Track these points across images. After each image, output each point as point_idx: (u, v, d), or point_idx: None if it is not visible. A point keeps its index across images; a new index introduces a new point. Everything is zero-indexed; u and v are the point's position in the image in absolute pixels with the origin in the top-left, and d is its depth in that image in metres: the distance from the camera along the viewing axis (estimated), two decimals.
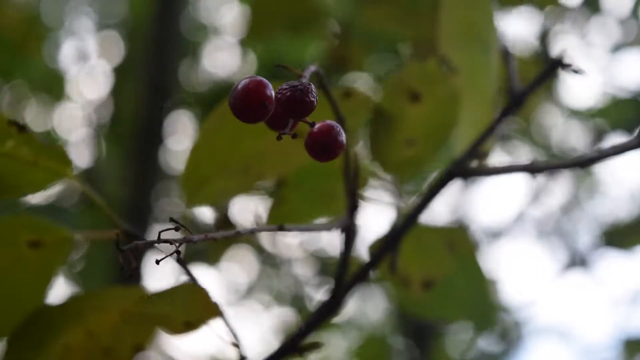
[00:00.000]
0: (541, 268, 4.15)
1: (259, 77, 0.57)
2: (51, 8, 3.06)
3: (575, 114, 3.43)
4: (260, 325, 3.65)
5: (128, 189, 2.41)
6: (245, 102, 0.56)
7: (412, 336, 3.28)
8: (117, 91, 2.90)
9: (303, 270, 3.29)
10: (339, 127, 0.57)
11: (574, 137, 3.58)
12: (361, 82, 2.82)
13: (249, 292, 3.59)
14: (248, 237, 2.26)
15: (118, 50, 3.04)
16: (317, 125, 0.58)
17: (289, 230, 0.67)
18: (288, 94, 0.56)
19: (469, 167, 0.82)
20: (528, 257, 3.97)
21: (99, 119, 2.98)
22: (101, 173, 2.87)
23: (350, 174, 0.75)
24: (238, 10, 2.90)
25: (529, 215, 3.81)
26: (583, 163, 0.74)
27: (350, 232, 0.76)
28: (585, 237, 3.88)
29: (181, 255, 0.56)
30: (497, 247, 3.73)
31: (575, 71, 0.72)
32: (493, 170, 0.81)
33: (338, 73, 2.28)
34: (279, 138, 0.58)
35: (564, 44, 3.03)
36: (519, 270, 3.97)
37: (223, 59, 3.07)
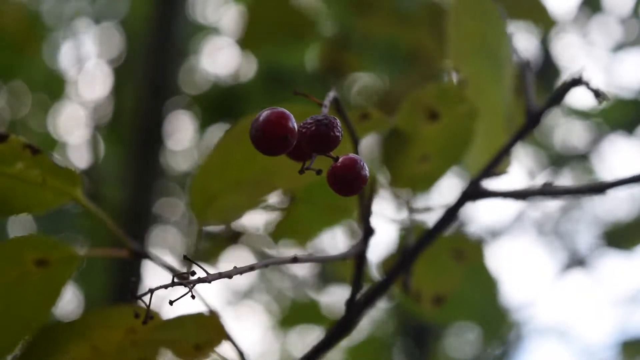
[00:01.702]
0: (541, 268, 4.15)
1: (281, 109, 0.55)
2: (51, 8, 3.04)
3: (576, 114, 3.42)
4: (260, 326, 3.65)
5: (128, 190, 2.40)
6: (266, 135, 0.54)
7: (412, 336, 3.28)
8: (117, 91, 2.89)
9: (303, 271, 3.28)
10: (362, 162, 0.56)
11: (575, 137, 3.57)
12: (360, 84, 2.82)
13: (249, 292, 3.59)
14: (247, 239, 2.25)
15: (118, 50, 3.02)
16: (340, 160, 0.56)
17: (303, 261, 0.65)
18: (313, 128, 0.55)
19: (485, 189, 0.80)
20: (528, 257, 3.96)
21: (99, 119, 2.97)
22: (101, 173, 2.85)
23: (365, 199, 0.73)
24: (237, 10, 2.88)
25: (529, 215, 3.80)
26: (601, 189, 0.73)
27: (363, 257, 0.74)
28: (585, 237, 3.87)
29: (195, 292, 0.54)
30: (497, 247, 3.72)
31: (595, 92, 0.70)
32: (509, 194, 0.80)
33: (334, 78, 2.28)
34: (301, 172, 0.56)
35: (566, 45, 3.03)
36: (518, 270, 3.96)
37: (223, 59, 3.06)
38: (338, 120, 0.55)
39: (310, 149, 0.56)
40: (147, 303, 0.53)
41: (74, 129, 3.02)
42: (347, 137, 0.71)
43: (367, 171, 0.56)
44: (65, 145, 3.03)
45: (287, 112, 0.55)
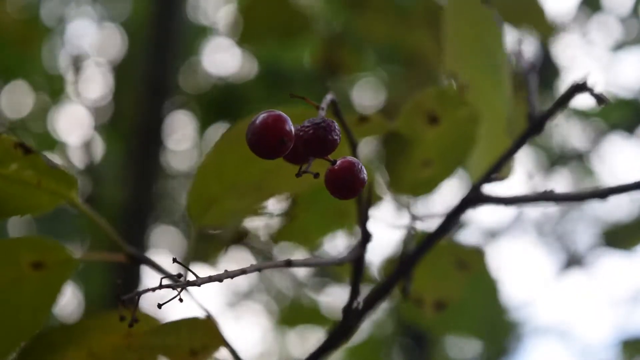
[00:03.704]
0: (540, 268, 4.15)
1: (278, 112, 0.54)
2: (51, 8, 3.04)
3: (576, 114, 3.42)
4: (260, 326, 3.64)
5: (128, 189, 2.39)
6: (263, 139, 0.53)
7: (412, 336, 3.27)
8: (117, 91, 2.88)
9: (302, 271, 3.27)
10: (360, 164, 0.55)
11: (575, 138, 3.57)
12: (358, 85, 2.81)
13: (249, 292, 3.58)
14: (247, 240, 2.24)
15: (118, 50, 3.02)
16: (337, 162, 0.55)
17: (297, 265, 0.64)
18: (310, 132, 0.54)
19: (485, 195, 0.80)
20: (527, 257, 3.96)
21: (99, 119, 2.96)
22: (101, 173, 2.85)
23: (363, 204, 0.72)
24: (235, 7, 2.87)
25: (529, 216, 3.80)
26: (602, 195, 0.72)
27: (360, 262, 0.73)
28: (584, 237, 3.87)
29: (186, 292, 0.53)
30: (496, 248, 3.72)
31: (598, 98, 0.69)
32: (510, 200, 0.79)
33: (331, 77, 2.27)
34: (298, 175, 0.55)
35: (565, 44, 3.02)
36: (518, 271, 3.96)
37: (223, 59, 3.05)
38: (336, 123, 0.55)
39: (307, 152, 0.55)
40: (134, 306, 0.52)
41: (74, 129, 3.02)
42: (345, 140, 0.70)
43: (365, 174, 0.55)
44: (65, 145, 3.03)
45: (284, 115, 0.54)
